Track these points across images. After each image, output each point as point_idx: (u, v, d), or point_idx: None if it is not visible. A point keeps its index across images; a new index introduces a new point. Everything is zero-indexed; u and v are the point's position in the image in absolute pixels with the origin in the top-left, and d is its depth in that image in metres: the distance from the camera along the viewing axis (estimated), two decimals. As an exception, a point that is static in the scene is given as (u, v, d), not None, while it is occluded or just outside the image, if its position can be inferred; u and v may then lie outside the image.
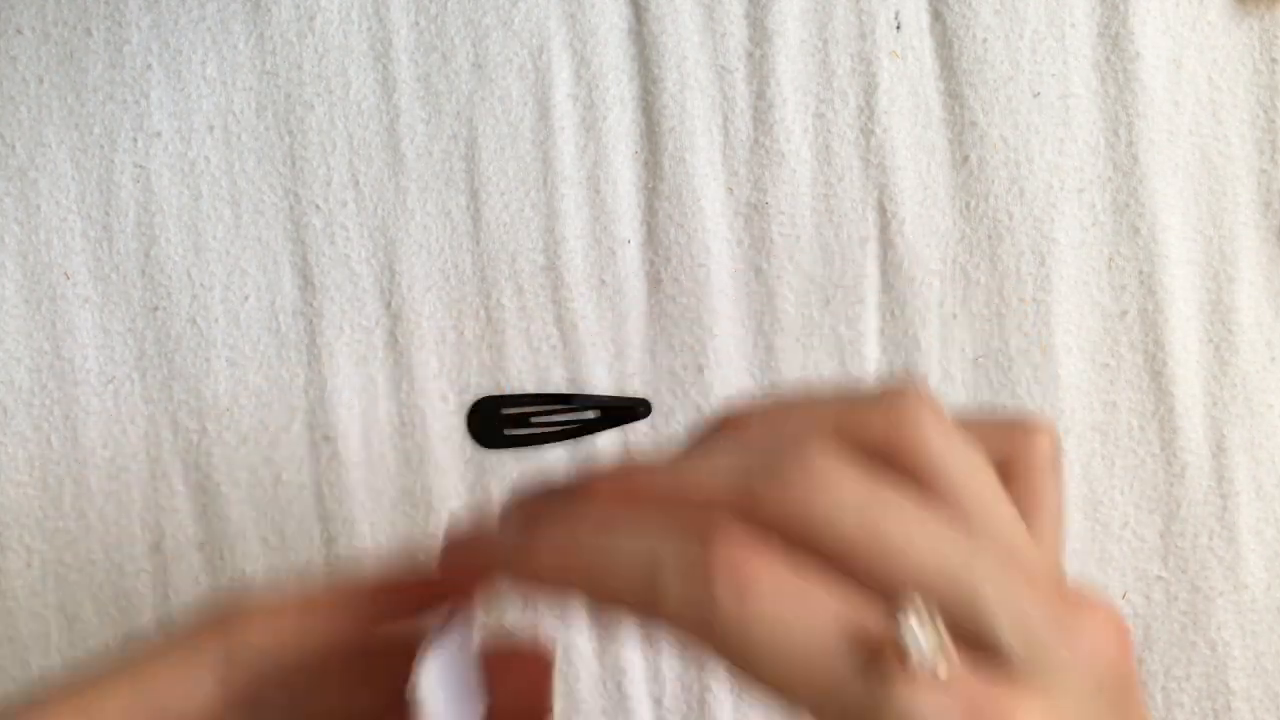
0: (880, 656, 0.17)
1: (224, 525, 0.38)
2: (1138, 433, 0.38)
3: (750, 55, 0.38)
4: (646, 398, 0.38)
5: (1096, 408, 0.38)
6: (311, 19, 0.38)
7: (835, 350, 0.38)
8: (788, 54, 0.38)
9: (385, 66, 0.38)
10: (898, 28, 0.38)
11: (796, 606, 0.18)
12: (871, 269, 0.38)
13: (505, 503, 0.22)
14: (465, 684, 0.22)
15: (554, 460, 0.38)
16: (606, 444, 0.38)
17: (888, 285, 0.38)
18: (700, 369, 0.38)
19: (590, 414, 0.37)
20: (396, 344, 0.38)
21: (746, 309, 0.38)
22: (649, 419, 0.38)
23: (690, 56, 0.38)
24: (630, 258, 0.38)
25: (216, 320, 0.38)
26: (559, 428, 0.37)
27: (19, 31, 0.38)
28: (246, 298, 0.38)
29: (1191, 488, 0.38)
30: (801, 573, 0.18)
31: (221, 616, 0.22)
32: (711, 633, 0.18)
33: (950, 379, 0.38)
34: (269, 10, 0.38)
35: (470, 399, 0.38)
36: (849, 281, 0.38)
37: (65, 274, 0.38)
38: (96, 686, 0.22)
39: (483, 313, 0.38)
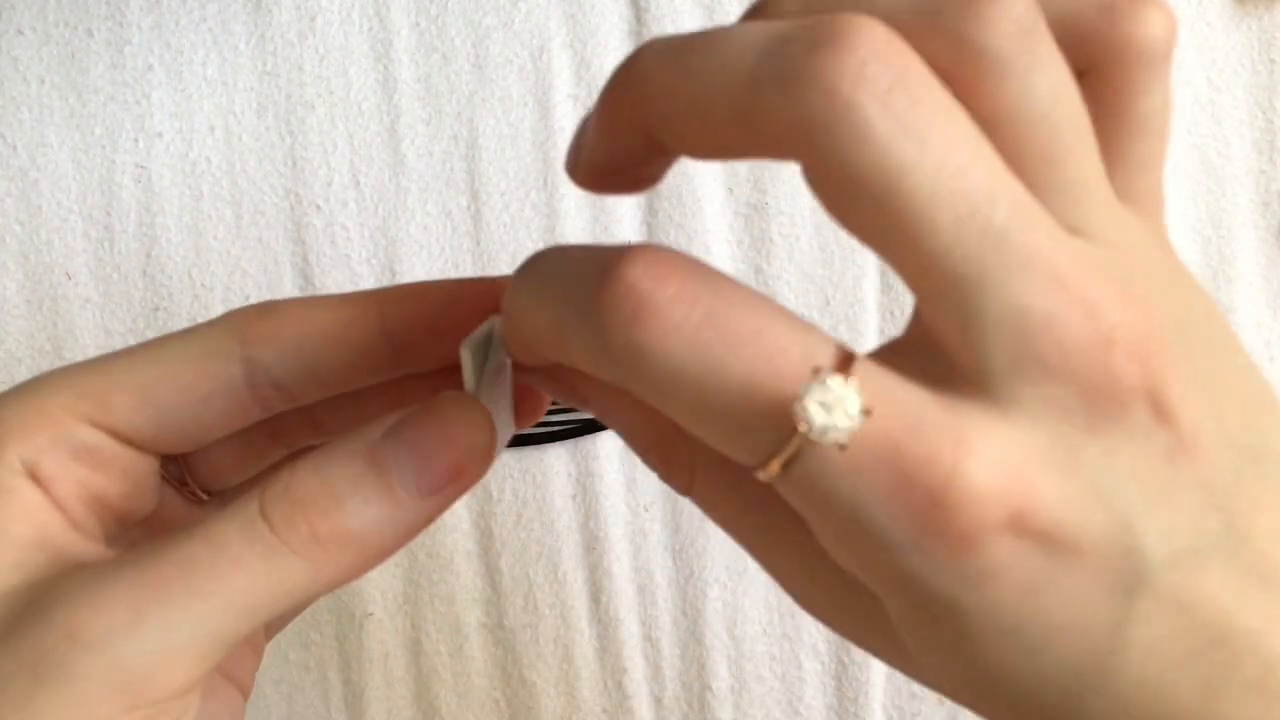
0: (790, 429, 0.15)
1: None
2: (1137, 432, 0.38)
3: (750, 56, 0.38)
4: (647, 398, 0.38)
5: (1096, 407, 0.38)
6: (312, 20, 0.38)
7: (835, 350, 0.38)
8: (788, 54, 0.38)
9: (386, 67, 0.38)
10: (897, 28, 0.38)
11: (695, 355, 0.16)
12: (871, 269, 0.38)
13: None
14: (500, 371, 0.22)
15: (554, 459, 0.38)
16: (607, 444, 0.38)
17: (887, 285, 0.38)
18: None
19: (590, 413, 0.37)
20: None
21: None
22: (649, 419, 0.38)
23: (690, 57, 0.38)
24: (630, 258, 0.38)
25: (217, 320, 0.38)
26: (559, 428, 0.37)
27: (20, 32, 0.38)
28: (247, 298, 0.38)
29: (1190, 487, 0.38)
30: (708, 311, 0.16)
31: (251, 309, 0.22)
32: (614, 377, 0.17)
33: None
34: (270, 11, 0.38)
35: (471, 399, 0.38)
36: (849, 281, 0.38)
37: (66, 274, 0.38)
38: (117, 360, 0.21)
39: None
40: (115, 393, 0.21)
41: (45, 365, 0.37)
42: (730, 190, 0.38)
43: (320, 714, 0.38)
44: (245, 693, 0.24)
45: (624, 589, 0.38)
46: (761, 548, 0.20)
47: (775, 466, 0.16)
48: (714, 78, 0.16)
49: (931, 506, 0.15)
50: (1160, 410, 0.16)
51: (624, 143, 0.18)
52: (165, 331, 0.37)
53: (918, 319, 0.18)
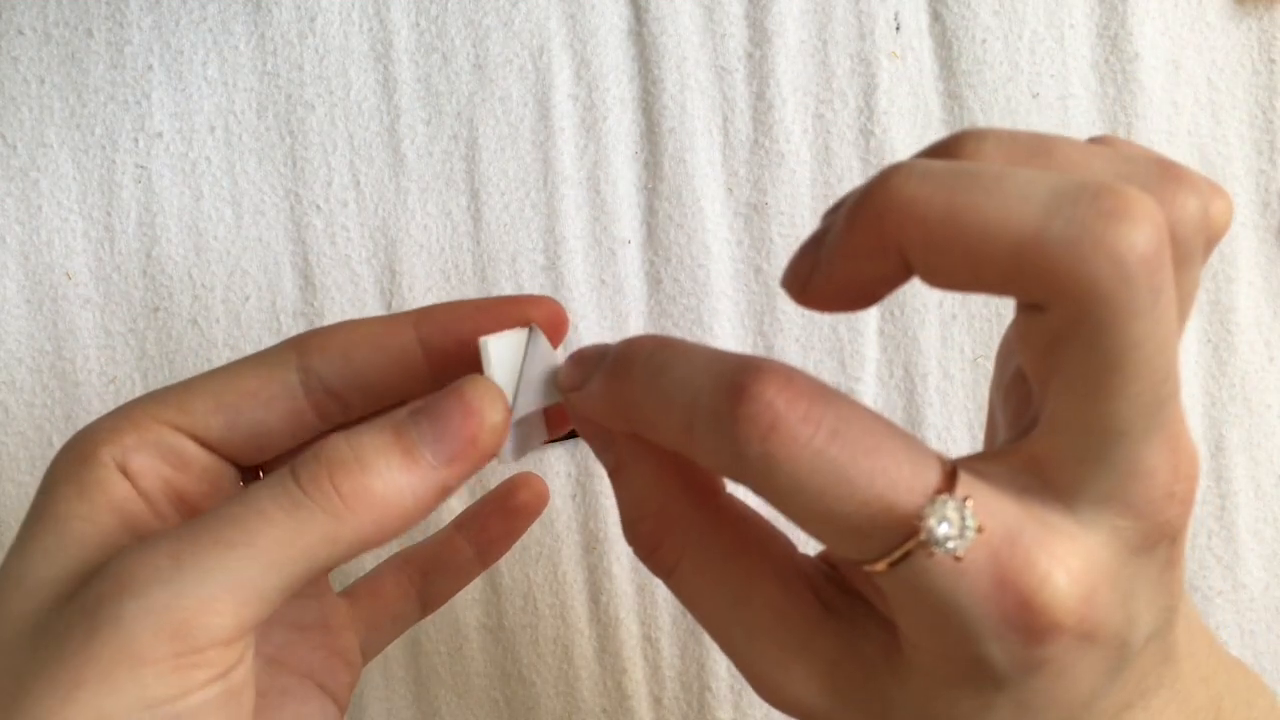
0: (904, 535, 0.18)
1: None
2: (1137, 432, 0.38)
3: (750, 56, 0.38)
4: (646, 398, 0.38)
5: (1095, 407, 0.38)
6: (312, 20, 0.38)
7: (835, 350, 0.38)
8: (787, 55, 0.38)
9: (386, 67, 0.38)
10: (897, 28, 0.38)
11: (821, 467, 0.18)
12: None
13: (567, 360, 0.23)
14: (536, 369, 0.24)
15: (554, 460, 0.38)
16: (607, 444, 0.38)
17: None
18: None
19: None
20: (397, 344, 0.38)
21: (746, 309, 0.38)
22: (649, 419, 0.38)
23: (690, 57, 0.38)
24: (630, 258, 0.38)
25: (218, 320, 0.38)
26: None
27: (20, 32, 0.38)
28: (247, 298, 0.38)
29: (1190, 487, 0.38)
30: (835, 429, 0.18)
31: (303, 334, 0.25)
32: (743, 479, 0.19)
33: (950, 379, 0.38)
34: (270, 11, 0.38)
35: (471, 399, 0.38)
36: (849, 282, 0.38)
37: (67, 274, 0.38)
38: (195, 377, 0.24)
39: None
40: (193, 399, 0.24)
41: (45, 365, 0.38)
42: (730, 190, 0.38)
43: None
44: (341, 707, 0.26)
45: (623, 589, 0.38)
46: (737, 638, 0.22)
47: (883, 565, 0.18)
48: (997, 218, 0.17)
49: (1021, 607, 0.18)
50: (1177, 544, 0.20)
51: (873, 265, 0.19)
52: (166, 331, 0.38)
53: (1027, 449, 0.19)
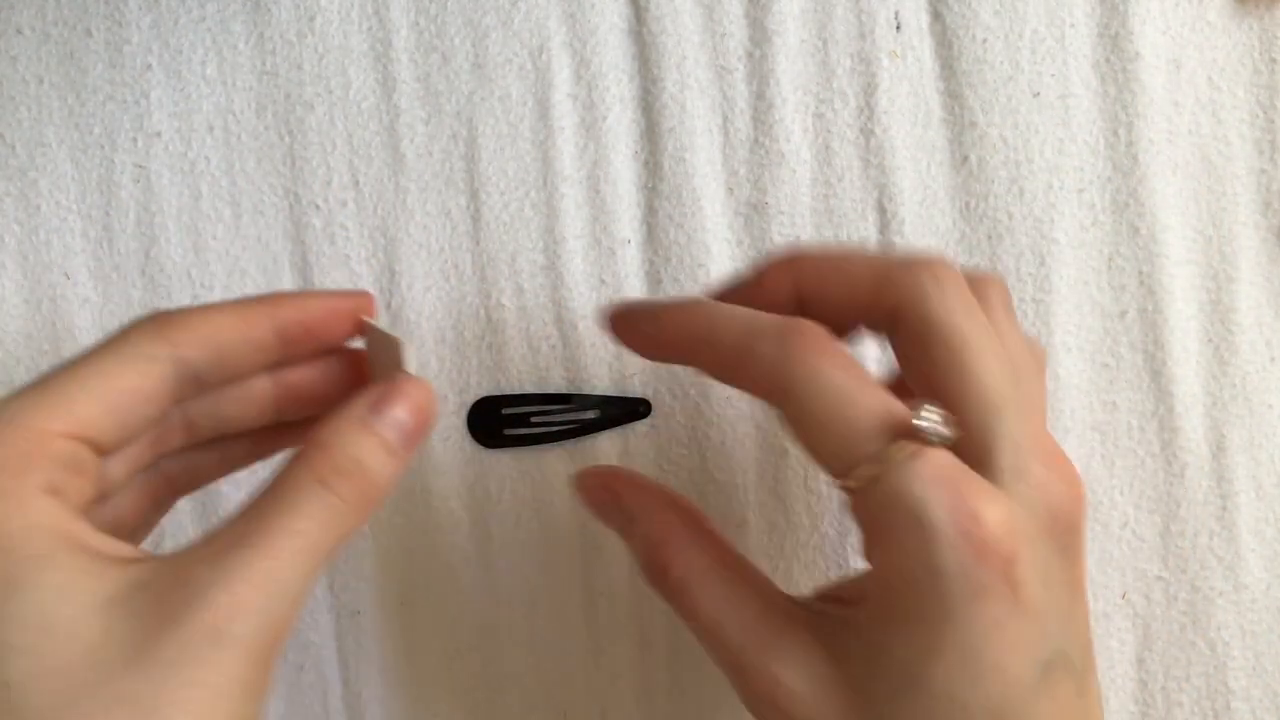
0: (901, 435, 0.24)
1: (224, 525, 0.38)
2: (1137, 433, 0.38)
3: (750, 55, 0.38)
4: (646, 398, 0.38)
5: (1096, 408, 0.38)
6: (311, 19, 0.38)
7: (835, 350, 0.38)
8: (787, 54, 0.38)
9: (385, 66, 0.38)
10: (897, 28, 0.38)
11: (854, 381, 0.24)
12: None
13: (623, 305, 0.29)
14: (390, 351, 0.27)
15: (554, 460, 0.38)
16: (606, 444, 0.38)
17: (887, 285, 0.38)
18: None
19: (590, 414, 0.37)
20: (396, 344, 0.38)
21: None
22: (649, 419, 0.38)
23: (690, 56, 0.38)
24: (630, 258, 0.38)
25: (216, 320, 0.38)
26: (559, 428, 0.37)
27: (19, 31, 0.38)
28: (246, 298, 0.38)
29: (1191, 488, 0.38)
30: (860, 367, 0.25)
31: (160, 316, 0.26)
32: (785, 389, 0.24)
33: (950, 379, 0.38)
34: (269, 10, 0.38)
35: (470, 399, 0.38)
36: (849, 281, 0.38)
37: (65, 274, 0.38)
38: (72, 377, 0.24)
39: (483, 313, 0.38)
40: (78, 404, 0.24)
41: (45, 365, 0.37)
42: (730, 190, 0.38)
43: (318, 714, 0.38)
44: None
45: (622, 590, 0.38)
46: (730, 635, 0.27)
47: (871, 473, 0.24)
48: (859, 260, 0.27)
49: (972, 519, 0.23)
50: (1077, 551, 0.26)
51: (773, 297, 0.28)
52: (164, 331, 0.37)
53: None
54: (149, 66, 0.38)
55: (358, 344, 0.29)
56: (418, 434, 0.26)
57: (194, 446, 0.29)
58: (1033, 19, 0.38)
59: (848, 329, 0.27)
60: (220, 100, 0.38)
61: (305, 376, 0.29)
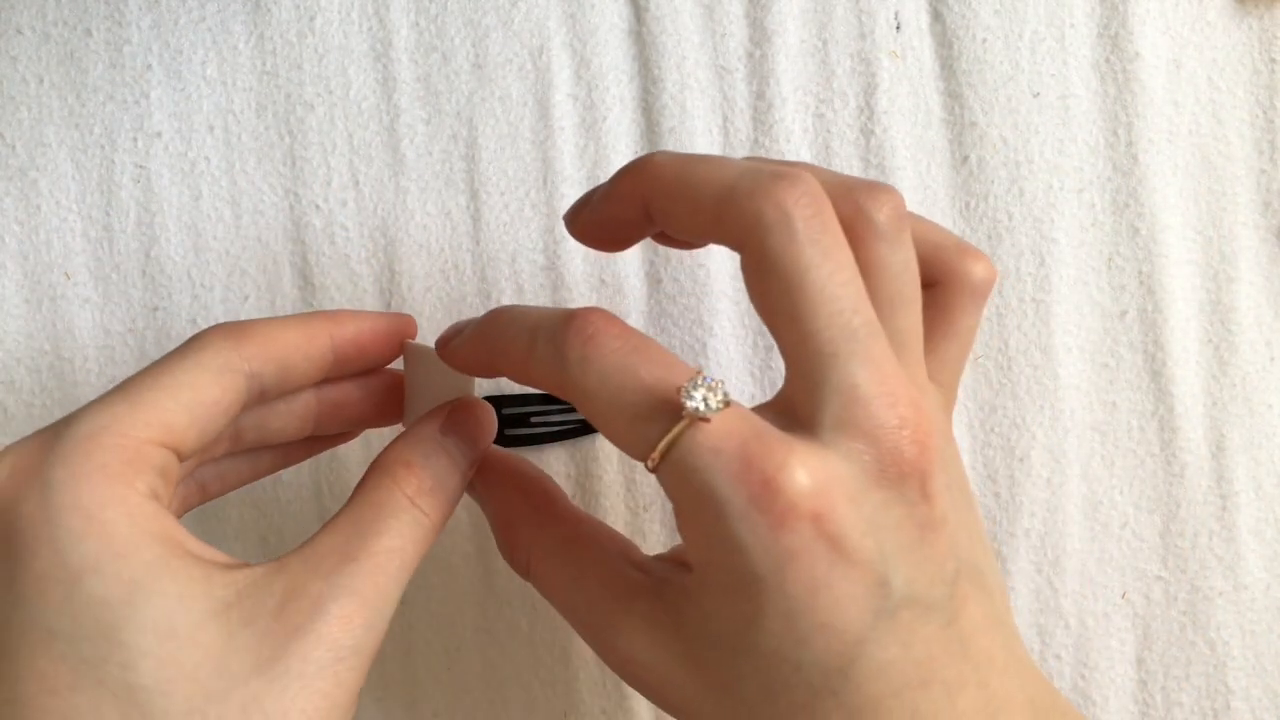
0: (671, 408, 0.23)
1: (224, 525, 0.38)
2: (1137, 433, 0.38)
3: (750, 55, 0.38)
4: (646, 398, 0.38)
5: (1096, 408, 0.38)
6: (311, 19, 0.38)
7: (835, 350, 0.38)
8: (787, 54, 0.38)
9: (385, 66, 0.38)
10: (897, 28, 0.38)
11: (628, 361, 0.24)
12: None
13: (443, 334, 0.29)
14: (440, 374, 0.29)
15: (553, 460, 0.38)
16: (606, 444, 0.38)
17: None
18: (700, 369, 0.38)
19: (582, 415, 0.37)
20: (396, 344, 0.38)
21: (746, 309, 0.38)
22: (649, 419, 0.38)
23: (690, 56, 0.38)
24: (630, 258, 0.38)
25: (217, 320, 0.38)
26: (559, 428, 0.37)
27: (19, 31, 0.38)
28: (246, 298, 0.38)
29: (1191, 488, 0.38)
30: (635, 345, 0.24)
31: (233, 329, 0.26)
32: (563, 385, 0.24)
33: (950, 379, 0.38)
34: (269, 10, 0.38)
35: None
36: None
37: (65, 274, 0.38)
38: (158, 386, 0.25)
39: (482, 312, 0.38)
40: (168, 415, 0.24)
41: (44, 365, 0.37)
42: (730, 190, 0.38)
43: (319, 715, 0.38)
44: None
45: (623, 589, 0.38)
46: (579, 609, 0.27)
47: (659, 453, 0.23)
48: (706, 179, 0.24)
49: (763, 485, 0.22)
50: (925, 492, 0.24)
51: (625, 209, 0.26)
52: (165, 331, 0.37)
53: (780, 395, 0.25)
54: (149, 66, 0.38)
55: (395, 365, 0.30)
56: (481, 454, 0.28)
57: (231, 454, 0.29)
58: (1033, 19, 0.38)
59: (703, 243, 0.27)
60: (220, 100, 0.38)
61: (346, 393, 0.30)
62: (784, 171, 0.24)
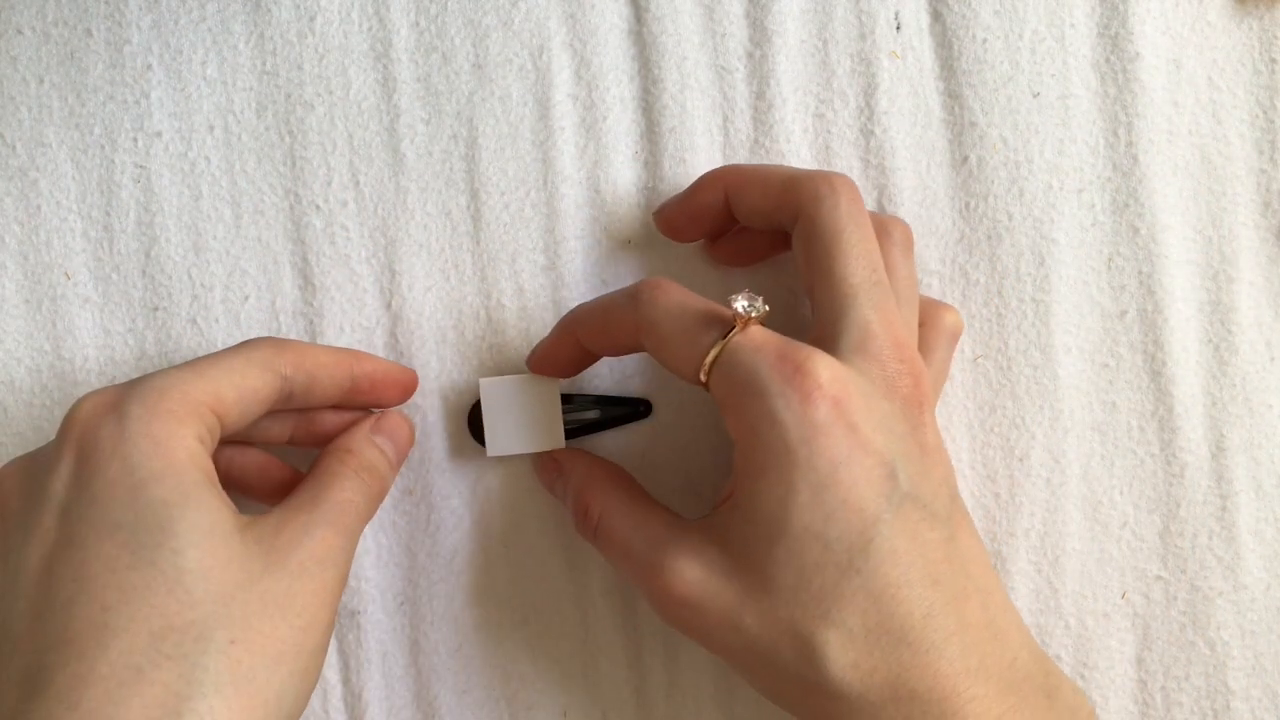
0: (726, 325, 0.30)
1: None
2: (1137, 433, 0.38)
3: (750, 55, 0.38)
4: (647, 398, 0.38)
5: (1096, 408, 0.38)
6: (312, 19, 0.38)
7: (835, 350, 0.38)
8: (787, 54, 0.38)
9: (385, 66, 0.38)
10: (897, 28, 0.38)
11: (686, 300, 0.31)
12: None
13: (532, 354, 0.36)
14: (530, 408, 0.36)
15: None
16: (607, 444, 0.38)
17: (887, 285, 0.38)
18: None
19: (590, 414, 0.37)
20: (396, 344, 0.38)
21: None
22: (649, 419, 0.38)
23: (690, 56, 0.38)
24: (630, 261, 0.38)
25: (217, 320, 0.38)
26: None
27: (19, 32, 0.38)
28: (246, 298, 0.38)
29: (1191, 488, 0.38)
30: (691, 293, 0.31)
31: (276, 342, 0.32)
32: (635, 326, 0.31)
33: (950, 379, 0.38)
34: (269, 10, 0.38)
35: (470, 399, 0.38)
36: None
37: (65, 274, 0.38)
38: (215, 369, 0.31)
39: (483, 313, 0.38)
40: (222, 389, 0.30)
41: (44, 365, 0.37)
42: (730, 190, 0.38)
43: (319, 714, 0.38)
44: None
45: (623, 588, 0.38)
46: (640, 549, 0.32)
47: (711, 358, 0.29)
48: (774, 171, 0.34)
49: (795, 369, 0.28)
50: (923, 420, 0.30)
51: (707, 196, 0.35)
52: (165, 331, 0.38)
53: (807, 337, 0.31)
54: (149, 66, 0.38)
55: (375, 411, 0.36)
56: (403, 450, 0.35)
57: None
58: (1033, 19, 0.38)
59: (769, 232, 0.35)
60: (220, 100, 0.38)
61: (330, 421, 0.35)
62: (830, 175, 0.32)
